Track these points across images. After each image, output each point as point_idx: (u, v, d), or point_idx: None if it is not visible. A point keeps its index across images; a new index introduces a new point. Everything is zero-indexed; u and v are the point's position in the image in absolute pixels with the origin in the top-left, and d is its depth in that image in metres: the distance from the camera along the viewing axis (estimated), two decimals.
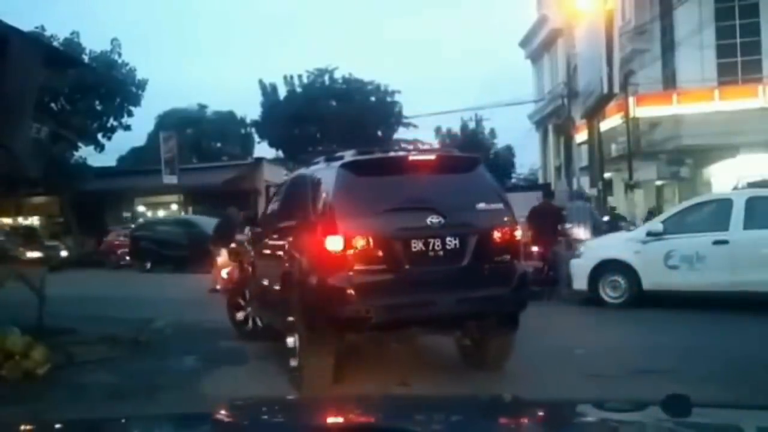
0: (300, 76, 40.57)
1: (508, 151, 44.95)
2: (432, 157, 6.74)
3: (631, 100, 20.84)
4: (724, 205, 10.32)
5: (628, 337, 8.53)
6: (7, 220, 28.48)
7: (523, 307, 6.52)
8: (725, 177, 17.81)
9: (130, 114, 28.40)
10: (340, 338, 6.14)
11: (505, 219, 6.43)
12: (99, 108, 27.60)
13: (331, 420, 2.33)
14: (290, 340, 6.43)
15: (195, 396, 6.39)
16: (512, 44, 39.52)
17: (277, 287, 6.88)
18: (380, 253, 5.90)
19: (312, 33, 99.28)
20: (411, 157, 6.68)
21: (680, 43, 21.83)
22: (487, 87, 70.74)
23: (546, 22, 32.90)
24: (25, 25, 16.90)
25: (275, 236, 7.35)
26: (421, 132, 43.99)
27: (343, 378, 6.37)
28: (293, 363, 6.36)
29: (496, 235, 6.30)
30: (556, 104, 29.87)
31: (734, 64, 21.67)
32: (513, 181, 40.82)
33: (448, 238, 6.08)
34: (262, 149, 40.39)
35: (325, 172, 6.48)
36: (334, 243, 5.82)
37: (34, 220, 30.46)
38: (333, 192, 6.08)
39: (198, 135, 40.55)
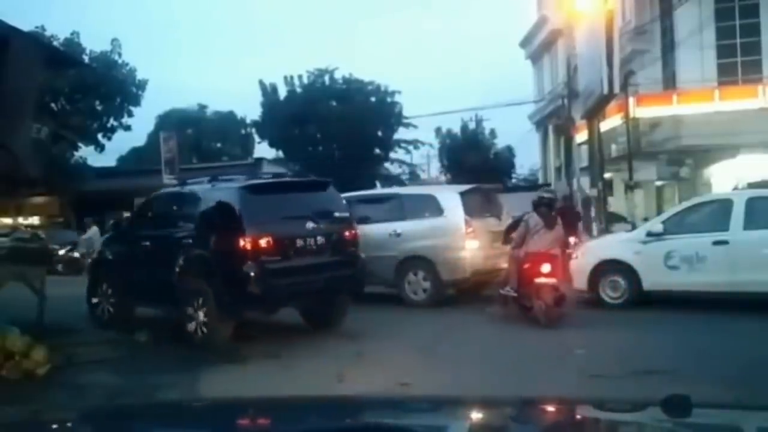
0: (300, 77, 40.57)
1: (508, 151, 44.86)
2: (302, 180, 9.82)
3: (631, 100, 20.81)
4: (724, 205, 10.31)
5: (628, 337, 8.53)
6: (8, 221, 28.47)
7: (363, 284, 9.28)
8: (725, 177, 17.81)
9: (130, 114, 28.41)
10: (245, 310, 8.60)
11: (351, 224, 9.37)
12: (99, 108, 27.59)
13: (330, 420, 2.33)
14: (191, 313, 8.39)
15: (194, 396, 6.39)
16: (512, 44, 39.55)
17: (172, 279, 8.58)
18: (275, 249, 8.18)
19: (312, 33, 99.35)
20: (289, 181, 9.67)
21: (680, 44, 21.82)
22: (488, 87, 70.93)
23: (546, 22, 32.89)
24: (25, 25, 16.92)
25: (166, 239, 9.10)
26: (421, 132, 43.86)
27: (343, 378, 6.39)
28: (191, 327, 8.39)
29: (347, 234, 9.12)
30: (556, 104, 29.86)
31: (734, 64, 21.65)
32: (513, 181, 40.76)
33: (318, 237, 8.68)
34: (262, 149, 40.41)
35: (226, 191, 8.74)
36: (244, 242, 8.01)
37: (34, 220, 30.44)
38: (239, 205, 8.27)
39: (198, 135, 40.52)
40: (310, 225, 8.60)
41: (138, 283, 9.47)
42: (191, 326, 8.39)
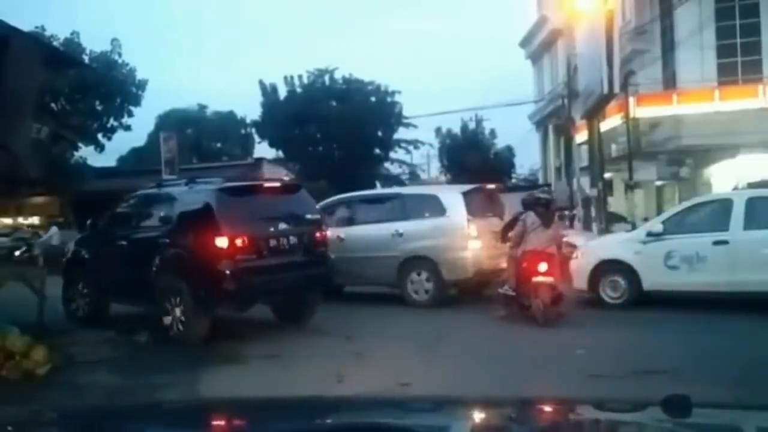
0: (300, 77, 40.56)
1: (508, 151, 44.88)
2: (275, 184, 10.25)
3: (631, 100, 20.81)
4: (724, 205, 10.31)
5: (628, 337, 8.53)
6: (7, 221, 28.46)
7: (331, 282, 9.90)
8: (725, 177, 17.80)
9: (130, 114, 28.35)
10: (220, 306, 8.90)
11: (321, 225, 9.79)
12: (99, 108, 27.53)
13: (330, 420, 2.33)
14: (168, 308, 8.73)
15: (194, 396, 6.39)
16: (512, 44, 39.54)
17: (150, 277, 8.91)
18: (249, 248, 8.60)
19: (312, 33, 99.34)
20: (263, 184, 10.07)
21: (680, 44, 21.81)
22: (488, 87, 70.90)
23: (546, 22, 32.89)
24: (25, 25, 16.87)
25: (143, 238, 9.46)
26: (421, 132, 43.85)
27: (343, 378, 6.39)
28: (169, 325, 8.74)
29: (317, 235, 9.55)
30: (556, 104, 29.86)
31: (734, 64, 21.65)
32: (513, 181, 40.75)
33: (290, 237, 9.10)
34: (263, 149, 40.37)
35: (203, 193, 9.10)
36: (221, 242, 8.40)
37: (34, 220, 30.41)
38: (215, 207, 8.66)
39: (198, 135, 40.47)
40: (282, 226, 9.07)
41: (115, 281, 9.71)
42: (168, 322, 8.76)
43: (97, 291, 10.13)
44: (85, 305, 10.30)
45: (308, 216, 9.56)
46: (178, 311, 8.70)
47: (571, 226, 15.37)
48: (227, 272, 8.38)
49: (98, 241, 10.51)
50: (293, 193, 9.88)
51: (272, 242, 8.93)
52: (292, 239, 9.12)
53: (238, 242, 8.48)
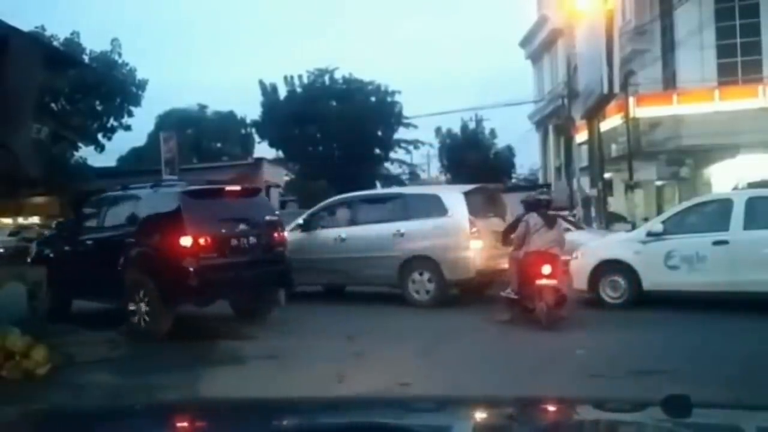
0: (300, 77, 40.62)
1: (508, 151, 44.91)
2: (237, 187, 10.57)
3: (631, 100, 20.83)
4: (724, 205, 10.30)
5: (628, 337, 8.52)
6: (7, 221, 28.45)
7: (289, 278, 10.13)
8: (725, 177, 17.80)
9: (130, 114, 28.34)
10: (184, 302, 9.34)
11: (280, 226, 10.35)
12: (99, 108, 27.51)
13: (330, 420, 2.33)
14: (133, 304, 9.14)
15: (194, 396, 6.39)
16: (512, 44, 39.55)
17: (116, 274, 9.28)
18: (211, 247, 9.12)
19: (312, 33, 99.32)
20: (225, 188, 10.40)
21: (680, 44, 21.83)
22: (487, 87, 70.88)
23: (546, 22, 32.91)
24: (25, 25, 16.86)
25: (111, 237, 9.88)
26: (421, 132, 43.90)
27: (343, 378, 6.39)
28: (134, 320, 9.15)
29: (276, 235, 10.07)
30: (556, 104, 29.86)
31: (734, 64, 21.67)
32: (513, 181, 40.75)
33: (251, 237, 9.65)
34: (263, 149, 40.41)
35: (169, 195, 9.68)
36: (185, 241, 8.88)
37: (34, 220, 30.39)
38: (181, 208, 9.16)
39: (198, 135, 40.49)
40: (242, 227, 9.70)
41: (81, 279, 9.99)
42: (134, 317, 9.17)
43: (60, 289, 10.20)
44: (48, 302, 10.30)
45: (267, 218, 10.24)
46: (143, 306, 9.12)
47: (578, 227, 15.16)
48: (191, 270, 8.86)
49: (65, 241, 10.93)
50: (253, 197, 10.57)
51: (233, 242, 9.48)
52: (252, 239, 9.68)
53: (201, 242, 9.00)
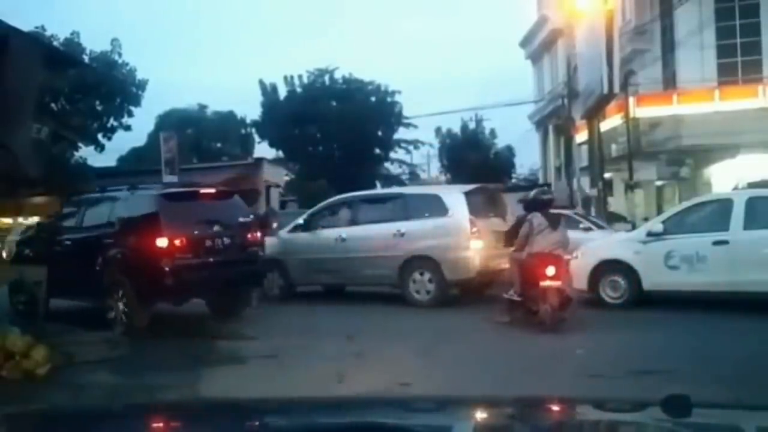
0: (300, 76, 40.57)
1: (508, 151, 44.89)
2: (212, 190, 10.88)
3: (631, 100, 20.82)
4: (724, 205, 10.30)
5: (628, 337, 8.52)
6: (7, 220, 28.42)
7: (264, 278, 10.92)
8: (725, 177, 17.80)
9: (130, 114, 28.30)
10: (160, 300, 9.84)
11: (253, 227, 10.70)
12: (99, 108, 27.48)
13: (330, 420, 2.33)
14: (111, 303, 9.51)
15: (194, 396, 6.39)
16: (512, 44, 39.52)
17: (95, 274, 9.61)
18: (187, 248, 9.47)
19: (312, 33, 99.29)
20: (200, 190, 10.64)
21: (680, 44, 21.82)
22: (487, 87, 70.87)
23: (546, 22, 32.88)
24: (25, 25, 16.81)
25: (89, 238, 10.17)
26: (421, 132, 43.86)
27: (343, 378, 6.39)
28: (111, 315, 9.51)
29: (249, 236, 10.47)
30: (556, 104, 29.85)
31: (734, 64, 21.65)
32: (513, 181, 40.74)
33: (224, 238, 9.98)
34: (263, 149, 40.36)
35: (146, 198, 10.17)
36: (161, 242, 9.24)
37: (35, 220, 30.36)
38: (157, 210, 9.60)
39: (198, 135, 40.45)
40: (216, 228, 10.02)
41: (60, 279, 10.09)
42: (112, 314, 9.54)
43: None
44: (27, 301, 10.67)
45: (241, 219, 10.59)
46: (121, 305, 9.48)
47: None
48: (167, 269, 9.22)
49: (45, 241, 11.21)
50: (228, 199, 10.82)
51: (207, 242, 9.82)
52: (226, 240, 10.02)
53: (177, 242, 9.36)
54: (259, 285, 10.86)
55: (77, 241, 10.43)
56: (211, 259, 9.78)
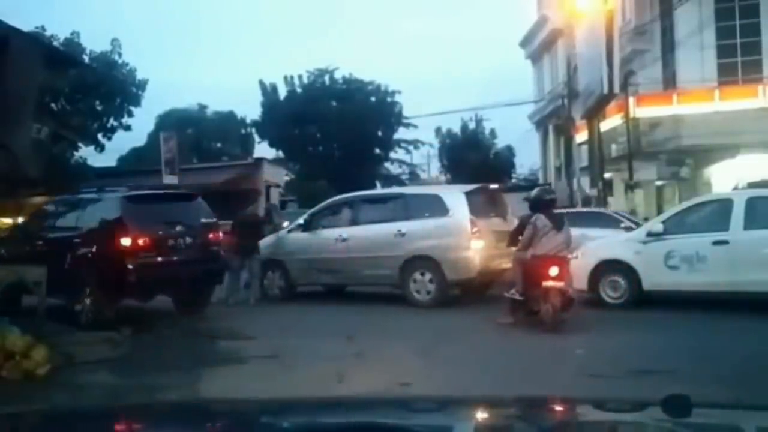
0: (300, 77, 40.61)
1: (508, 151, 44.92)
2: (175, 192, 11.75)
3: (631, 100, 20.82)
4: (724, 205, 10.30)
5: (628, 337, 8.52)
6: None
7: (223, 275, 11.27)
8: (725, 177, 17.80)
9: (130, 114, 28.29)
10: (125, 297, 10.25)
11: (215, 227, 11.14)
12: (99, 108, 27.47)
13: (330, 420, 2.33)
14: (79, 299, 9.96)
15: (194, 396, 6.40)
16: (512, 44, 39.52)
17: (63, 272, 9.88)
18: (150, 247, 10.01)
19: (312, 33, 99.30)
20: (163, 193, 11.47)
21: (680, 44, 21.82)
22: (487, 87, 70.89)
23: (546, 22, 32.88)
24: (25, 25, 16.82)
25: (58, 238, 10.72)
26: (421, 132, 43.93)
27: (343, 378, 6.39)
28: (78, 308, 9.98)
29: (210, 236, 10.96)
30: (556, 104, 29.86)
31: (734, 64, 21.65)
32: (513, 181, 40.74)
33: (186, 238, 10.51)
34: (263, 149, 40.39)
35: (112, 200, 10.51)
36: (125, 241, 9.79)
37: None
38: (121, 212, 10.11)
39: (198, 135, 40.45)
40: (178, 228, 10.52)
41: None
42: (80, 310, 9.97)
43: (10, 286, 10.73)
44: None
45: (202, 220, 11.04)
46: (88, 301, 9.93)
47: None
48: (130, 267, 9.70)
49: (20, 241, 11.67)
50: (190, 201, 11.29)
51: (170, 242, 10.36)
52: (188, 239, 10.54)
53: (140, 242, 9.89)
54: (219, 283, 11.27)
55: (49, 241, 10.90)
56: (173, 258, 10.31)
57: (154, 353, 8.33)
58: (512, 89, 61.63)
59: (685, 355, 7.38)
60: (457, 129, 43.93)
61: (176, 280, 10.36)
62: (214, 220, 11.35)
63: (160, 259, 10.14)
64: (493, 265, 11.19)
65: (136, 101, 28.40)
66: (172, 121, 38.59)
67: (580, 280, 10.79)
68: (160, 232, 10.29)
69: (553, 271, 8.90)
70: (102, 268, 9.90)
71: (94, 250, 10.17)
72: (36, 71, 10.79)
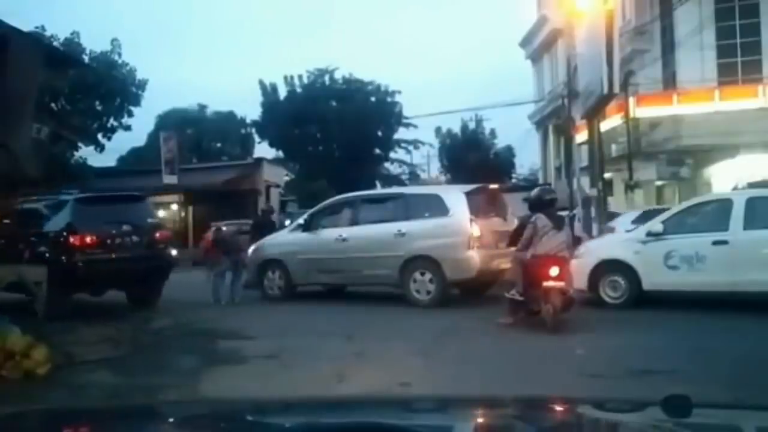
0: (300, 77, 40.64)
1: (508, 151, 44.93)
2: (123, 194, 12.64)
3: (631, 100, 20.82)
4: (724, 205, 10.30)
5: (628, 337, 8.52)
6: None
7: (169, 272, 11.93)
8: (725, 177, 17.80)
9: (130, 114, 28.30)
10: (76, 291, 11.18)
11: (160, 227, 12.48)
12: (99, 108, 27.47)
13: (330, 420, 2.33)
14: (34, 294, 10.70)
15: (194, 396, 6.39)
16: (512, 44, 39.53)
17: (20, 269, 10.79)
18: (99, 245, 10.93)
19: (312, 33, 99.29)
20: (112, 195, 12.44)
21: (680, 44, 21.82)
22: (487, 87, 70.92)
23: (546, 22, 32.89)
24: (25, 25, 16.80)
25: (15, 237, 11.62)
26: (421, 132, 43.93)
27: (343, 378, 6.39)
28: (35, 306, 10.63)
29: (157, 235, 11.96)
30: (556, 104, 29.85)
31: (734, 64, 21.66)
32: (513, 181, 40.75)
33: (133, 237, 11.45)
34: (262, 149, 40.47)
35: (64, 203, 11.48)
36: (74, 239, 10.70)
37: None
38: (71, 212, 11.16)
39: (198, 135, 40.48)
40: (126, 227, 11.41)
41: None
42: (36, 303, 10.69)
43: None
44: None
45: (149, 220, 12.25)
46: (42, 295, 10.61)
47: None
48: (79, 264, 10.61)
49: None
50: (138, 202, 12.43)
51: (117, 240, 11.24)
52: (135, 238, 11.46)
53: (88, 240, 10.81)
54: (165, 278, 11.91)
55: (12, 239, 11.74)
56: (120, 255, 11.15)
57: (154, 353, 8.33)
58: (512, 89, 61.89)
59: (685, 355, 7.38)
60: (457, 129, 43.99)
61: (124, 276, 11.25)
62: (159, 220, 12.57)
63: (107, 256, 10.98)
64: (493, 265, 11.18)
65: (136, 101, 28.40)
66: (172, 121, 38.60)
67: (580, 280, 10.80)
68: (108, 231, 11.16)
69: (554, 271, 8.88)
70: (54, 264, 10.66)
71: (48, 247, 11.08)
72: (36, 71, 10.78)
